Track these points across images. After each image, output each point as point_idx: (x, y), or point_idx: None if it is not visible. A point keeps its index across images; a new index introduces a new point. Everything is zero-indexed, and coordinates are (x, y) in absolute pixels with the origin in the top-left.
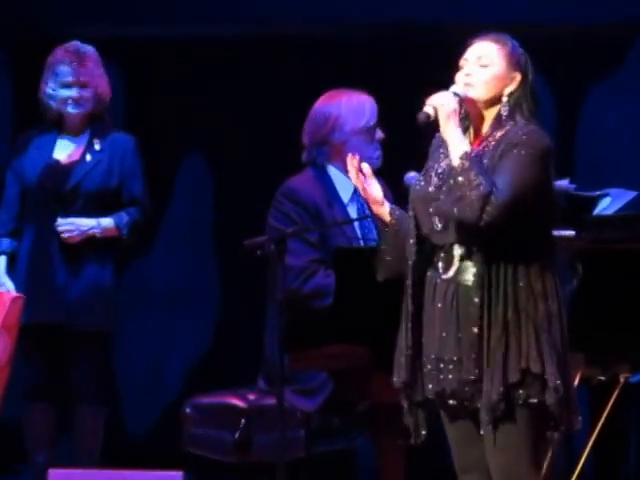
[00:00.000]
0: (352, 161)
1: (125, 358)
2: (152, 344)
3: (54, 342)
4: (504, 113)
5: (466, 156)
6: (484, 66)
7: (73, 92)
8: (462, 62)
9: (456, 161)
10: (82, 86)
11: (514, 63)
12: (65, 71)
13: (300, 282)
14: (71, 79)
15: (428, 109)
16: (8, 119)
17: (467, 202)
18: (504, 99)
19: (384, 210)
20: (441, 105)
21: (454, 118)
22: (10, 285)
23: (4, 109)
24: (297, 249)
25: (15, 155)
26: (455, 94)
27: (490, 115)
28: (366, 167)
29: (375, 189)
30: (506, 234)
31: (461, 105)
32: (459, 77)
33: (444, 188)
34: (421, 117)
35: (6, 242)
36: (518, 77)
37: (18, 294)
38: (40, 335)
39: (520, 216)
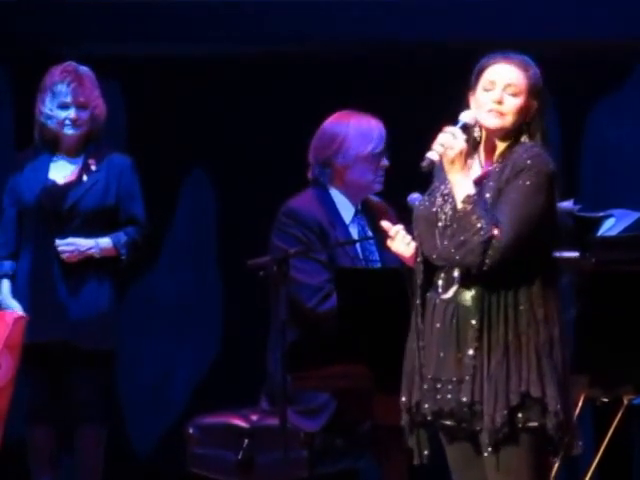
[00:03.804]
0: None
1: (128, 377)
2: (155, 363)
3: (54, 361)
4: (523, 140)
5: (468, 199)
6: (514, 95)
7: (71, 113)
8: (488, 84)
9: (459, 205)
10: (80, 107)
11: (535, 92)
12: (63, 91)
13: (316, 302)
14: (69, 99)
15: (433, 155)
16: (11, 138)
17: (469, 247)
18: (523, 127)
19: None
20: (446, 149)
21: (459, 161)
22: (17, 307)
23: (6, 128)
24: (311, 269)
25: (11, 176)
26: (464, 126)
27: (505, 141)
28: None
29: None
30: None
31: (470, 133)
32: (486, 100)
33: (448, 232)
34: (425, 164)
35: (7, 264)
36: (535, 105)
37: (21, 314)
38: (40, 355)
39: (524, 250)
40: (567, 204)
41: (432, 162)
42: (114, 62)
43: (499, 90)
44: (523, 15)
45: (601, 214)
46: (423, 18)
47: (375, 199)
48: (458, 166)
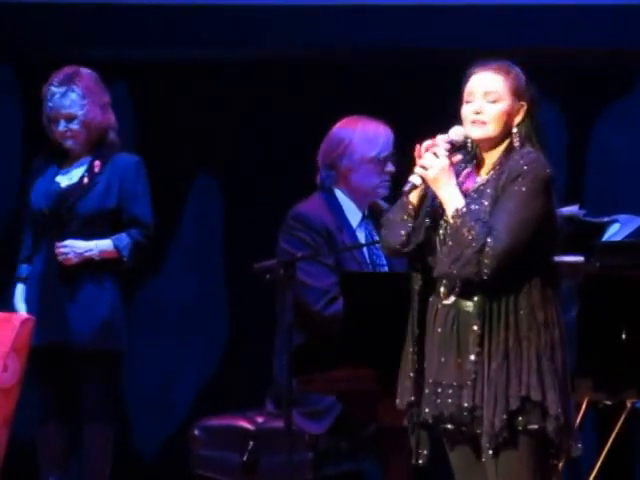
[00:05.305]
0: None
1: (134, 380)
2: (161, 366)
3: (61, 363)
4: (516, 144)
5: (457, 213)
6: (493, 102)
7: (60, 126)
8: (467, 96)
9: (450, 220)
10: (67, 119)
11: (520, 93)
12: (49, 105)
13: (323, 304)
14: (55, 114)
15: (414, 178)
16: (19, 140)
17: (464, 260)
18: (514, 130)
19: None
20: (427, 170)
21: (442, 178)
22: (23, 311)
23: (14, 129)
24: (317, 272)
25: (28, 181)
26: (451, 143)
27: (499, 147)
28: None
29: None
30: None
31: (463, 145)
32: (467, 112)
33: (444, 249)
34: (407, 188)
35: (24, 268)
36: (524, 106)
37: (28, 316)
38: (48, 357)
39: (522, 256)
40: (572, 209)
41: (414, 185)
42: (122, 64)
43: (478, 100)
44: (528, 22)
45: (606, 219)
46: (426, 22)
47: (382, 204)
48: (442, 183)
